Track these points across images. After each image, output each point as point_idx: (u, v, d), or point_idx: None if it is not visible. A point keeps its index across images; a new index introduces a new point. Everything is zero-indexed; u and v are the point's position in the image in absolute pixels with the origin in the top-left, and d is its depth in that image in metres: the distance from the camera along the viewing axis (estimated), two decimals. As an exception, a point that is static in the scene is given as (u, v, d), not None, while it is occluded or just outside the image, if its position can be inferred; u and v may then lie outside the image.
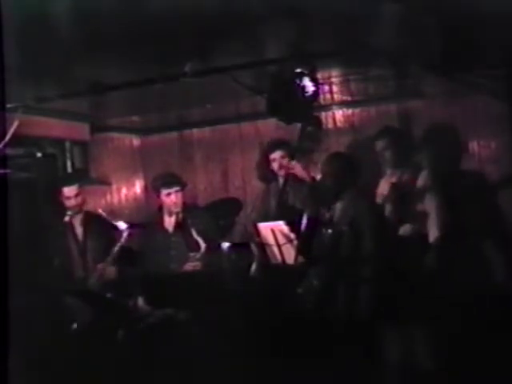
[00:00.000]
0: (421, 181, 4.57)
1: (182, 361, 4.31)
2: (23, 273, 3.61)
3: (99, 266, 5.04)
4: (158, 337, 4.56)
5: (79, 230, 5.22)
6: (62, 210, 5.13)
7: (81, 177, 5.41)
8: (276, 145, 5.34)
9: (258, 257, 5.05)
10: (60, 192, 5.14)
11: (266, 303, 4.60)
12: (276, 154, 5.25)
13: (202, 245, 4.89)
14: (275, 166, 5.27)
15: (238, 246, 5.27)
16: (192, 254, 4.92)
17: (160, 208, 5.21)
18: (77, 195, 5.15)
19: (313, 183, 4.99)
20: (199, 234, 4.94)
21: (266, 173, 5.61)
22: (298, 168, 4.93)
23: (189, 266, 4.90)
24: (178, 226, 5.10)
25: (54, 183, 5.37)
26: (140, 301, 4.87)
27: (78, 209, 5.17)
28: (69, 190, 5.13)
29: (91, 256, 5.16)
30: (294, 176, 5.07)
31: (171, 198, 5.05)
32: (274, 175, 5.36)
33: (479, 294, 4.14)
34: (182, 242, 5.05)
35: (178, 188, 5.07)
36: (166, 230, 5.15)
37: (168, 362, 4.35)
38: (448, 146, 4.82)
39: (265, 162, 5.55)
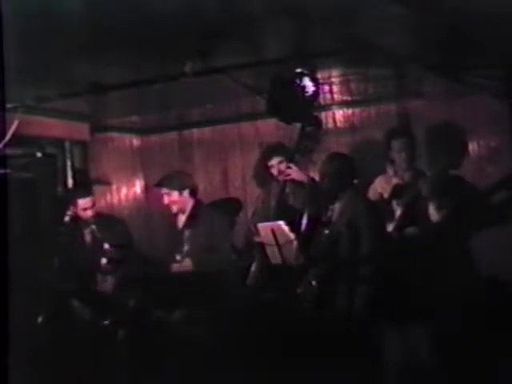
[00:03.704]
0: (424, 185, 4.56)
1: (181, 361, 4.31)
2: (24, 272, 3.61)
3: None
4: (158, 337, 4.56)
5: (88, 237, 5.19)
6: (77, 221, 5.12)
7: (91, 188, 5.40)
8: (273, 151, 5.32)
9: (258, 257, 5.04)
10: (75, 204, 5.08)
11: (265, 303, 4.60)
12: (274, 161, 5.22)
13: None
14: (274, 171, 5.24)
15: (238, 246, 5.28)
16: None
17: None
18: (92, 206, 5.14)
19: (312, 183, 4.99)
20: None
21: (265, 178, 5.59)
22: (295, 172, 4.88)
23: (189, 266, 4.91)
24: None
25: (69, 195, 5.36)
26: (140, 301, 4.87)
27: (94, 220, 5.12)
28: (84, 202, 5.09)
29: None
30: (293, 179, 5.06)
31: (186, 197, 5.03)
32: (274, 179, 5.35)
33: (475, 294, 4.13)
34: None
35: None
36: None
37: (167, 362, 4.35)
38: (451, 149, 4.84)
39: (263, 168, 5.55)
